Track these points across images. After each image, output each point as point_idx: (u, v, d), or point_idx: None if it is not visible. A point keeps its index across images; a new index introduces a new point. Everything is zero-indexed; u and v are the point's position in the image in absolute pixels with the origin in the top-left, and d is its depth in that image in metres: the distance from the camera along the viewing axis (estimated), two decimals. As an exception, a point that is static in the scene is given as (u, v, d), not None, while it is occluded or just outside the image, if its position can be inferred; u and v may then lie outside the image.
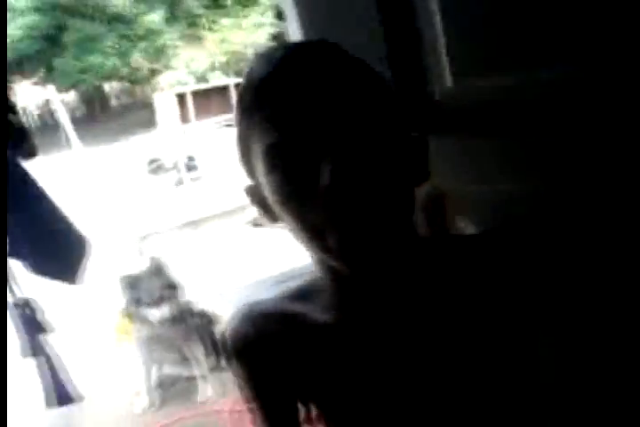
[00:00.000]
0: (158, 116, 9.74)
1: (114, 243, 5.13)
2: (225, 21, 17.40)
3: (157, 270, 2.72)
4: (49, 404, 2.22)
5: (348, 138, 0.55)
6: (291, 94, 0.56)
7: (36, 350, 2.10)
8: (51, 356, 2.14)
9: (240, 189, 0.68)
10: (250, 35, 17.00)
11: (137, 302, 2.62)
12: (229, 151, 0.96)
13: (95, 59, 17.24)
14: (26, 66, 17.52)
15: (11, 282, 2.06)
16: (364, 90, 0.57)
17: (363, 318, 0.66)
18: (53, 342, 2.12)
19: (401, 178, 0.58)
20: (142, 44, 17.90)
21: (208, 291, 3.82)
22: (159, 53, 18.13)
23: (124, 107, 21.54)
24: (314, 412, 0.73)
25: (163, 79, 17.67)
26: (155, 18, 17.63)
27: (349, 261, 0.57)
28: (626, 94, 0.78)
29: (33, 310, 2.11)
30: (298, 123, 0.55)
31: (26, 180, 2.05)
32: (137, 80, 19.23)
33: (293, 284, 0.73)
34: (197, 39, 17.99)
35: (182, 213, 5.92)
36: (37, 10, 16.86)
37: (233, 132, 0.63)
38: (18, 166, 2.03)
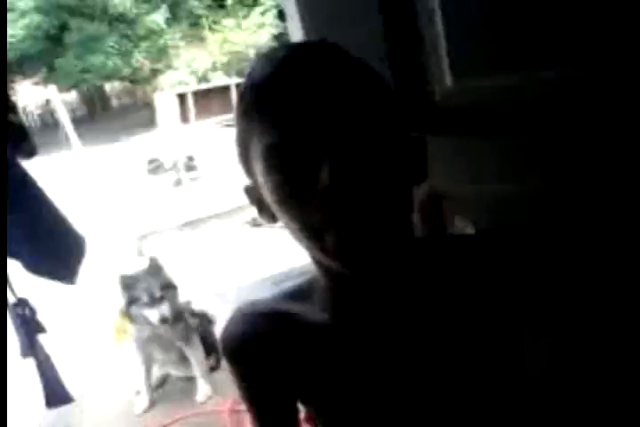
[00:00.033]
0: (159, 116, 9.75)
1: (113, 242, 5.13)
2: (226, 22, 17.39)
3: (156, 270, 2.71)
4: (49, 404, 2.22)
5: (348, 138, 0.55)
6: (291, 95, 0.56)
7: (36, 350, 2.10)
8: (48, 356, 2.14)
9: (239, 190, 0.68)
10: (251, 35, 17.01)
11: (136, 301, 2.62)
12: (229, 151, 0.96)
13: (97, 59, 17.25)
14: (27, 66, 17.56)
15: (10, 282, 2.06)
16: (363, 90, 0.57)
17: (360, 319, 0.66)
18: (44, 342, 2.12)
19: (399, 178, 0.58)
20: (144, 45, 17.95)
21: (207, 291, 3.82)
22: (161, 53, 18.16)
23: (124, 107, 21.57)
24: (307, 412, 0.73)
25: (164, 79, 17.67)
26: (156, 18, 17.68)
27: (347, 261, 0.57)
28: (626, 94, 0.78)
29: (33, 311, 2.11)
30: (298, 123, 0.55)
31: (25, 180, 2.04)
32: (138, 80, 19.25)
33: (291, 284, 0.73)
34: (199, 39, 18.01)
35: (181, 213, 5.93)
36: (39, 10, 16.88)
37: (233, 132, 0.63)
38: (18, 166, 2.03)
